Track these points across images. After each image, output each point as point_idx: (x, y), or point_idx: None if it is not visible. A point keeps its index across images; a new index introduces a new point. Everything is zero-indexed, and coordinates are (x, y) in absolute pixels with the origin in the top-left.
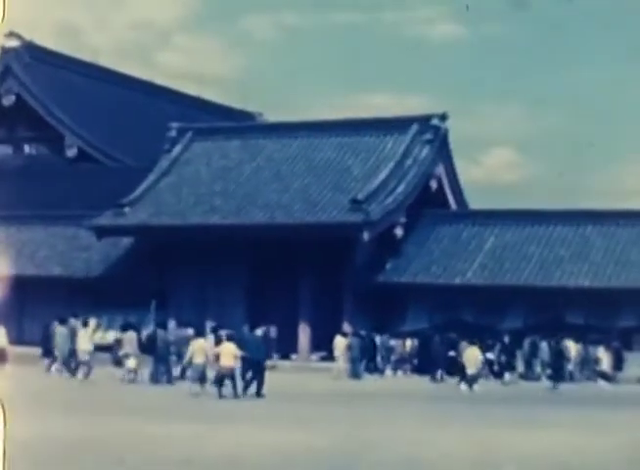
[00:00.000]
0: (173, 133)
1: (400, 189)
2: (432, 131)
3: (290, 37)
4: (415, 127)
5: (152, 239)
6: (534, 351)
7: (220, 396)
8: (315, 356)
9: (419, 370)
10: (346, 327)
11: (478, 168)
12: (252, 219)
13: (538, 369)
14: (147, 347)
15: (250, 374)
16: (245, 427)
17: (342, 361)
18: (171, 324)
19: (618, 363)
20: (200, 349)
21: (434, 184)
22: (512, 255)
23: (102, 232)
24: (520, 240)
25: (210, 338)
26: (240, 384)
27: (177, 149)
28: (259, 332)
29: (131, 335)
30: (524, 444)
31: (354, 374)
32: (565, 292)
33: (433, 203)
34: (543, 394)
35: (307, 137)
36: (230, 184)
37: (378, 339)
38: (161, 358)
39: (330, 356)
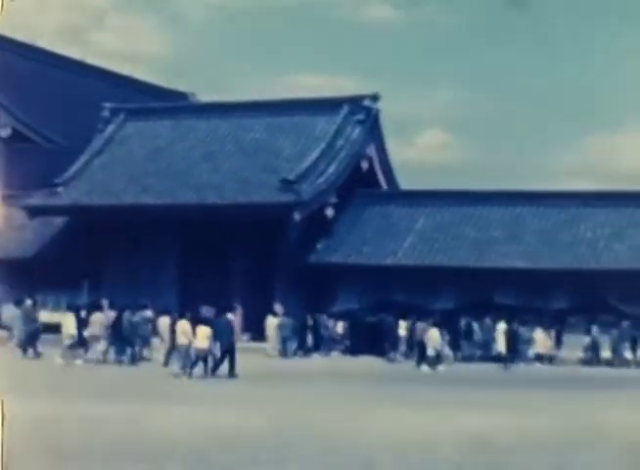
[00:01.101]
0: (107, 113)
1: (331, 169)
2: (363, 112)
3: (223, 17)
4: (346, 108)
5: (85, 219)
6: (469, 331)
7: (190, 376)
8: (246, 336)
9: (351, 351)
10: (278, 307)
11: (409, 149)
12: (184, 200)
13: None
14: (114, 328)
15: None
16: (187, 408)
17: (273, 341)
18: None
19: (557, 345)
20: (184, 330)
21: (365, 165)
22: (443, 235)
23: (35, 212)
24: (451, 221)
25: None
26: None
27: (110, 129)
28: (229, 315)
29: (100, 316)
30: (462, 425)
31: (285, 353)
32: (497, 273)
33: (364, 183)
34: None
35: (239, 117)
36: (162, 164)
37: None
38: (128, 340)
39: (261, 336)
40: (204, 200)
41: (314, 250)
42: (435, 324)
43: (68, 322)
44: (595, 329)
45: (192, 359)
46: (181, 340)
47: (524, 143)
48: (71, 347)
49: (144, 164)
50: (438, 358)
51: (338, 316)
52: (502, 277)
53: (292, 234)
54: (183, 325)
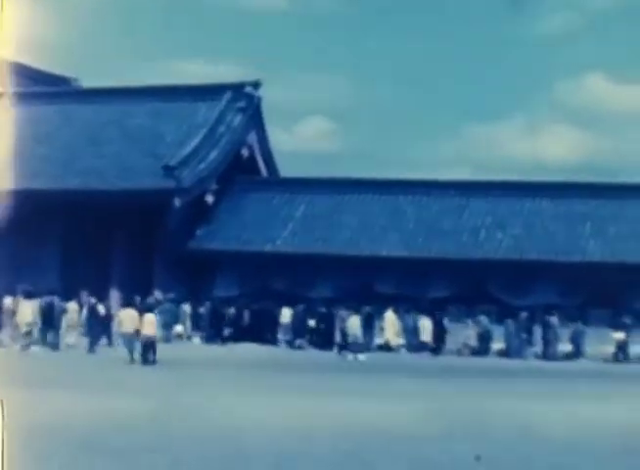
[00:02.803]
0: None
1: (212, 156)
2: (245, 99)
3: (108, 2)
4: (228, 95)
5: None
6: (370, 321)
7: (132, 362)
8: None
9: (233, 338)
10: (157, 293)
11: (291, 137)
12: (67, 185)
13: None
14: (44, 315)
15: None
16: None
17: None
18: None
19: (442, 334)
20: (129, 317)
21: (245, 152)
22: (323, 223)
23: None
24: (332, 208)
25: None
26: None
27: None
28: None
29: (32, 303)
30: (327, 411)
31: (166, 339)
32: (377, 261)
33: (244, 170)
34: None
35: (122, 103)
36: (45, 149)
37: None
38: (56, 326)
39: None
40: (86, 185)
41: (194, 236)
42: (357, 312)
43: (26, 310)
44: (484, 319)
45: (137, 346)
46: (126, 327)
47: (405, 132)
48: (27, 334)
49: (27, 148)
50: (359, 346)
51: (218, 303)
52: (382, 265)
53: (172, 220)
54: (129, 313)
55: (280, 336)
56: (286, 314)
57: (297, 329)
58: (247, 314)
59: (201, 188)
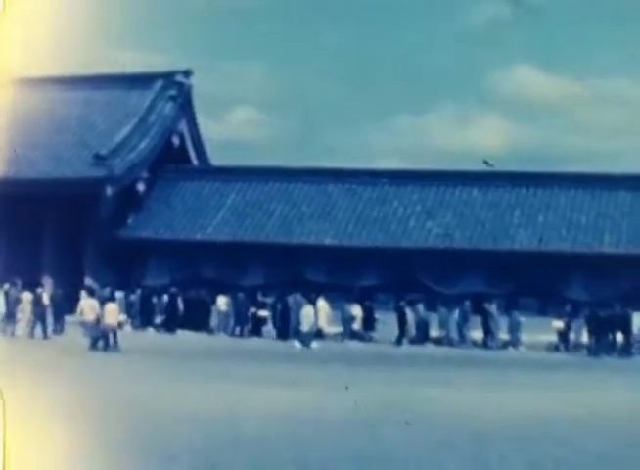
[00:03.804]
0: None
1: (143, 144)
2: (176, 87)
3: None
4: (159, 83)
5: None
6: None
7: (92, 348)
8: None
9: (167, 326)
10: (88, 281)
11: (221, 126)
12: None
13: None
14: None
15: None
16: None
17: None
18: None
19: (370, 323)
20: (90, 307)
21: (176, 140)
22: (253, 211)
23: None
24: (262, 197)
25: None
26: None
27: None
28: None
29: None
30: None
31: None
32: (306, 249)
33: (175, 159)
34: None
35: (53, 92)
36: None
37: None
38: (11, 314)
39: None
40: (16, 174)
41: (126, 224)
42: (310, 301)
43: None
44: (421, 307)
45: (99, 334)
46: (88, 316)
47: (335, 122)
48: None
49: None
50: (310, 335)
51: (150, 291)
52: (312, 254)
53: (103, 209)
54: (90, 302)
55: (216, 324)
56: (222, 302)
57: (238, 317)
58: (180, 302)
59: (132, 177)
